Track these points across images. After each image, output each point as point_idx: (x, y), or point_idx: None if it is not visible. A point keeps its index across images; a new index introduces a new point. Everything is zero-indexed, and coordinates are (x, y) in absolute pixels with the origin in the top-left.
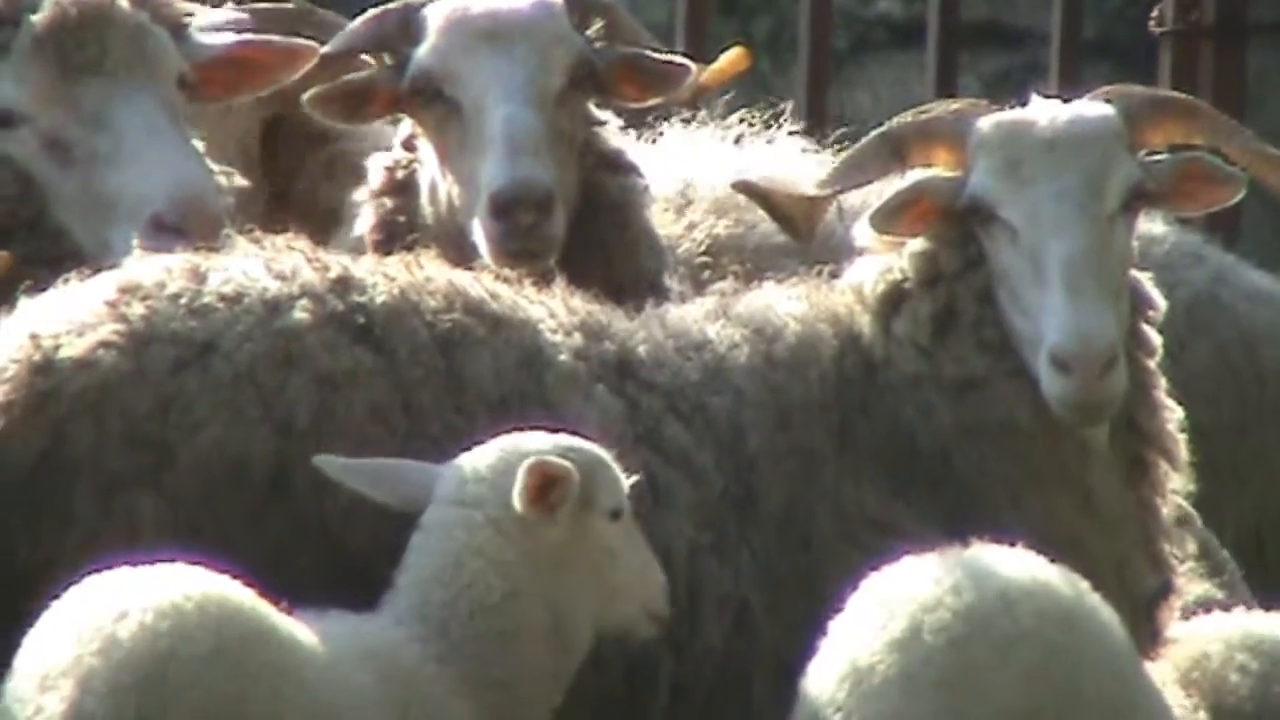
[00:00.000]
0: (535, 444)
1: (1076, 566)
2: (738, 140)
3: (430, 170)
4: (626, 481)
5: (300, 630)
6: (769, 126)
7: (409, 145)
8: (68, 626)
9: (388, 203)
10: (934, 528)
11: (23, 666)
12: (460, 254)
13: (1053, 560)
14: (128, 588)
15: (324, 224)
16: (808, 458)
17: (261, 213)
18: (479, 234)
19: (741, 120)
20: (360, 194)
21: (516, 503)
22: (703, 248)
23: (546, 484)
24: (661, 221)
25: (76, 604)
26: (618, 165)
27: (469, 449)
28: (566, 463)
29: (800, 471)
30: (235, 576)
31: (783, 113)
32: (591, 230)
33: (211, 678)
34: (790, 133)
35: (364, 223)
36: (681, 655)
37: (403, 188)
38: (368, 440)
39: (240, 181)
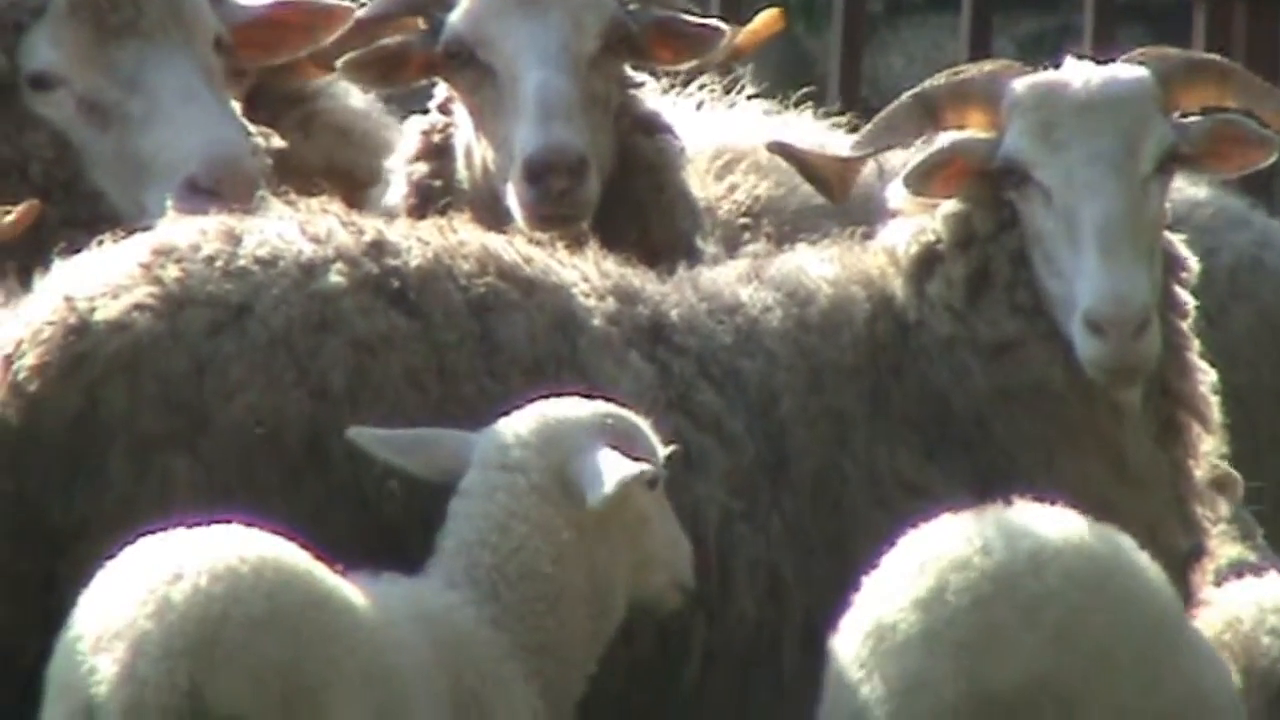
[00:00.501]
0: (578, 411)
1: None
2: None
3: (465, 134)
4: (662, 450)
5: (354, 594)
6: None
7: (445, 109)
8: (123, 588)
9: (423, 167)
10: (966, 491)
11: (78, 626)
12: (495, 218)
13: None
14: (183, 549)
15: (302, 183)
16: (840, 421)
17: None
18: (512, 198)
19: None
20: (394, 159)
21: (598, 502)
22: (743, 210)
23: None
24: (701, 184)
25: (132, 565)
26: (654, 127)
27: (504, 413)
28: (651, 470)
29: (832, 435)
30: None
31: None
32: (628, 193)
33: (264, 643)
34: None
35: (398, 188)
36: (714, 622)
37: (438, 152)
38: (402, 404)
39: (278, 143)
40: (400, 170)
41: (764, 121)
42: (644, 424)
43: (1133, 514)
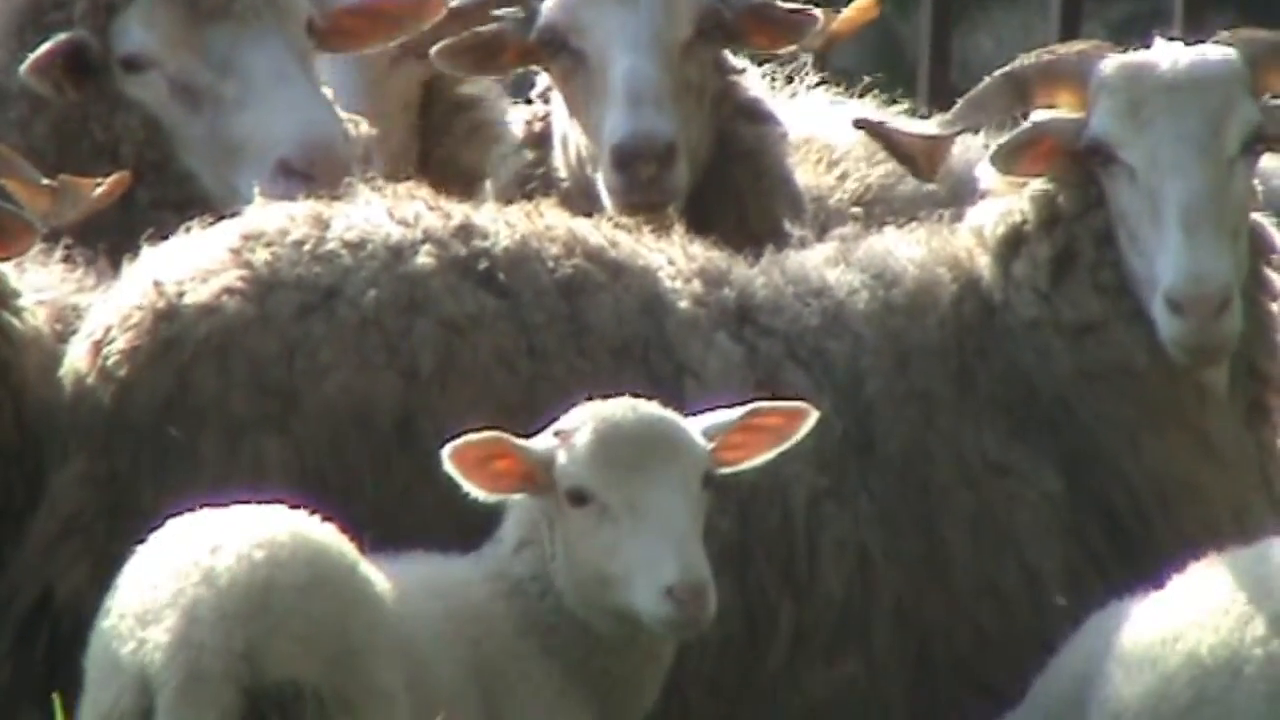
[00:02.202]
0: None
1: (1193, 511)
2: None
3: (561, 122)
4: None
5: (371, 567)
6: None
7: (546, 98)
8: (162, 564)
9: (528, 155)
10: (1051, 472)
11: (117, 606)
12: (591, 205)
13: (1171, 504)
14: (216, 525)
15: (463, 187)
16: (926, 402)
17: (411, 171)
18: (602, 185)
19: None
20: (503, 148)
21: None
22: (855, 198)
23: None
24: (813, 173)
25: (166, 543)
26: (754, 114)
27: (593, 395)
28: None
29: (919, 416)
30: (362, 521)
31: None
32: (727, 179)
33: (312, 606)
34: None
35: (505, 175)
36: (801, 600)
37: (540, 139)
38: (492, 384)
39: (367, 130)
40: (508, 158)
41: (831, 109)
42: (598, 437)
43: (1218, 496)
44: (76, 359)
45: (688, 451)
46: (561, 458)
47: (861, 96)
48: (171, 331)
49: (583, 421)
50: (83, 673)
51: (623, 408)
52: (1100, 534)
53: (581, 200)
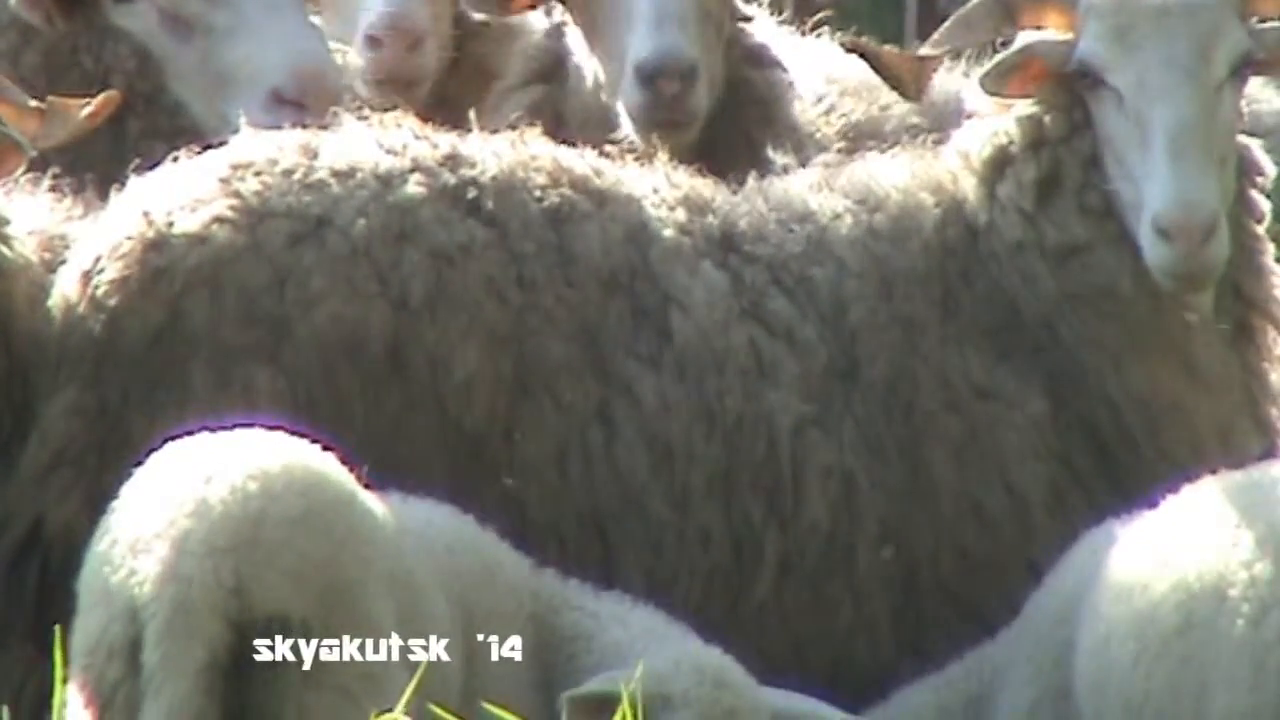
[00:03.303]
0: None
1: (1179, 433)
2: None
3: (578, 55)
4: None
5: (372, 499)
6: None
7: (555, 33)
8: (155, 492)
9: (535, 91)
10: (1036, 395)
11: (108, 533)
12: (608, 136)
13: (1155, 426)
14: (211, 453)
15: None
16: (910, 327)
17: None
18: (623, 106)
19: None
20: (505, 83)
21: None
22: (841, 133)
23: None
24: (799, 108)
25: (161, 470)
26: (762, 60)
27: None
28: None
29: (903, 341)
30: (353, 450)
31: None
32: (737, 125)
33: (302, 540)
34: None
35: (512, 110)
36: (787, 528)
37: (549, 75)
38: (482, 314)
39: (355, 61)
40: (515, 93)
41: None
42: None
43: (1203, 418)
44: (66, 289)
45: None
46: None
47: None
48: (161, 261)
49: (689, 703)
50: (72, 605)
51: (726, 715)
52: (1085, 456)
53: (597, 134)
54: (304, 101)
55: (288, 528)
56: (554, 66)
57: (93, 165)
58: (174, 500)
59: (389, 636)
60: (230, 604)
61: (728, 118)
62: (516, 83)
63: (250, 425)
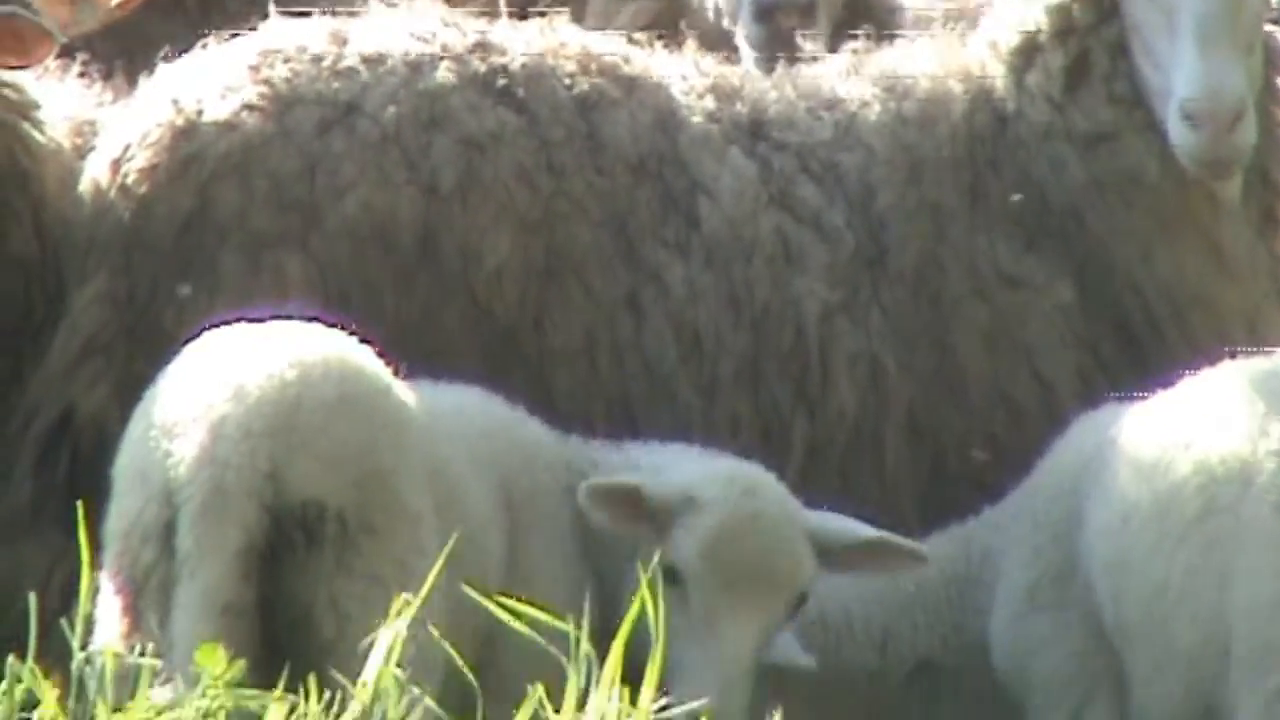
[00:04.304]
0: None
1: (1206, 321)
2: None
3: None
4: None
5: (405, 389)
6: None
7: None
8: (192, 377)
9: (650, 6)
10: (1064, 282)
11: (144, 417)
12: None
13: (1182, 313)
14: (249, 341)
15: None
16: (938, 214)
17: None
18: (741, 39)
19: None
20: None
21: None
22: None
23: None
24: None
25: (198, 356)
26: None
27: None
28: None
29: (931, 228)
30: (383, 338)
31: None
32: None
33: (339, 427)
34: None
35: (633, 22)
36: (814, 415)
37: None
38: (512, 200)
39: None
40: (625, 9)
41: None
42: (716, 540)
43: (1230, 306)
44: (96, 176)
45: (790, 585)
46: (680, 530)
47: None
48: (191, 148)
49: (713, 506)
50: (102, 492)
51: (751, 520)
52: (1112, 344)
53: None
54: None
55: (324, 414)
56: None
57: (121, 53)
58: (211, 386)
59: (423, 524)
60: (265, 488)
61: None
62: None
63: (286, 315)
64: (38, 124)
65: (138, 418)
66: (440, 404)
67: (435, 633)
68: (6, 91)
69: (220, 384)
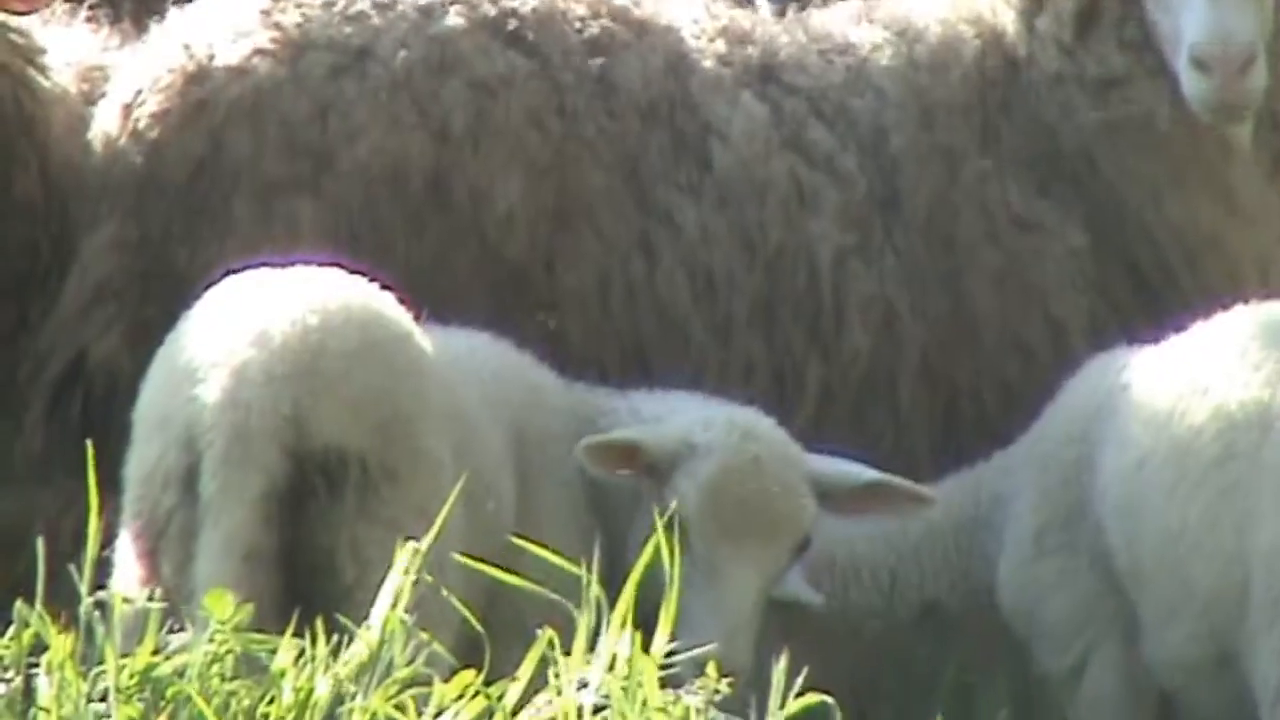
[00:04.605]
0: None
1: (1217, 265)
2: None
3: None
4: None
5: (422, 334)
6: None
7: None
8: (215, 322)
9: None
10: (1076, 226)
11: (165, 362)
12: None
13: (1194, 258)
14: (271, 286)
15: None
16: (950, 158)
17: None
18: None
19: None
20: None
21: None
22: None
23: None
24: None
25: (221, 301)
26: None
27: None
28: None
29: (943, 172)
30: (395, 282)
31: None
32: None
33: (361, 373)
34: None
35: None
36: (828, 359)
37: None
38: (523, 144)
39: None
40: None
41: None
42: (715, 486)
43: (1242, 250)
44: (106, 122)
45: (791, 528)
46: (680, 477)
47: None
48: (203, 93)
49: (712, 451)
50: (113, 438)
51: (751, 463)
52: (1124, 288)
53: None
54: None
55: (346, 360)
56: None
57: None
58: (234, 330)
59: (444, 470)
60: (288, 433)
61: None
62: None
63: (306, 261)
64: (43, 69)
65: (159, 362)
66: (455, 347)
67: (446, 579)
68: (11, 36)
69: (243, 329)
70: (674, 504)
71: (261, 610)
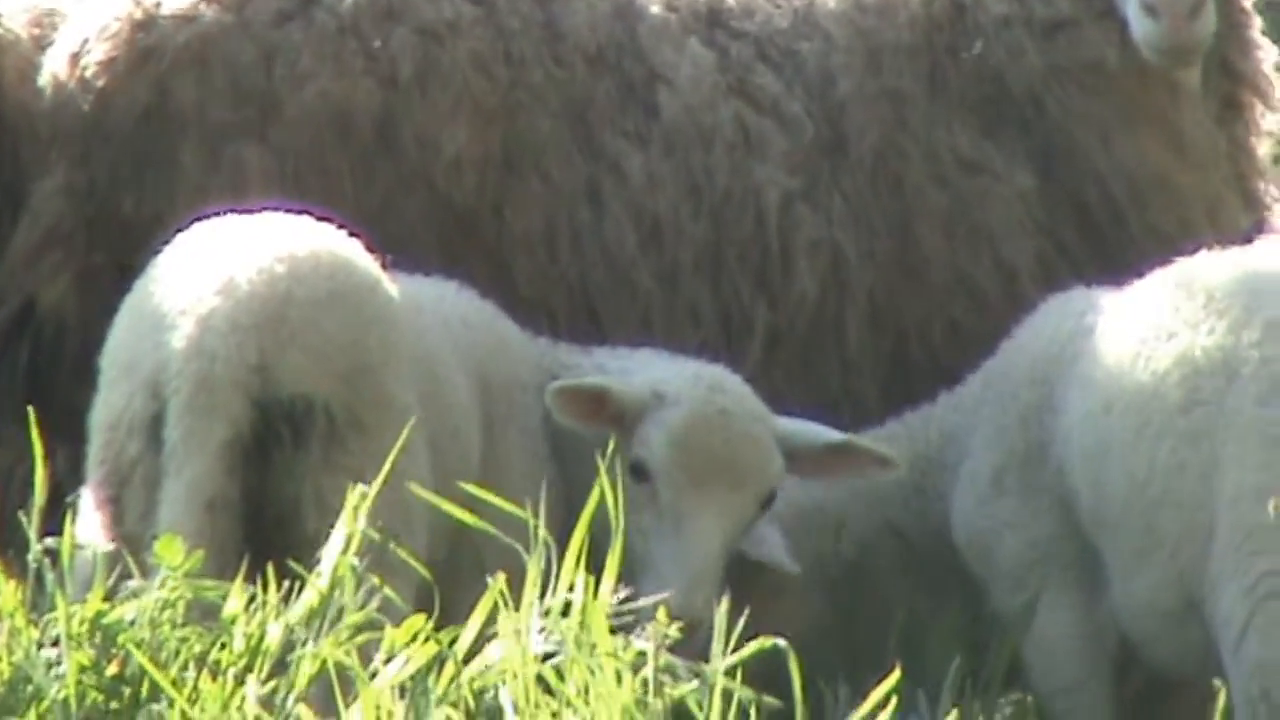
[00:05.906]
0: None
1: (1167, 207)
2: None
3: None
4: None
5: (390, 282)
6: None
7: None
8: (182, 269)
9: None
10: (1024, 168)
11: (134, 308)
12: None
13: (1143, 200)
14: (239, 233)
15: None
16: (898, 101)
17: None
18: None
19: None
20: None
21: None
22: None
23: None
24: None
25: (188, 248)
26: None
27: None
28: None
29: (891, 115)
30: (343, 228)
31: None
32: None
33: (328, 322)
34: None
35: None
36: (775, 303)
37: None
38: (470, 90)
39: None
40: None
41: None
42: (682, 436)
43: (1191, 192)
44: (55, 69)
45: (757, 480)
46: (647, 426)
47: None
48: (149, 41)
49: (680, 401)
50: (61, 385)
51: (719, 414)
52: (1073, 229)
53: None
54: None
55: (313, 309)
56: None
57: None
58: (201, 278)
59: (410, 420)
60: (253, 381)
61: None
62: None
63: (239, 206)
64: None
65: (127, 308)
66: (423, 294)
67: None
68: None
69: (209, 277)
70: (633, 451)
71: (224, 559)
